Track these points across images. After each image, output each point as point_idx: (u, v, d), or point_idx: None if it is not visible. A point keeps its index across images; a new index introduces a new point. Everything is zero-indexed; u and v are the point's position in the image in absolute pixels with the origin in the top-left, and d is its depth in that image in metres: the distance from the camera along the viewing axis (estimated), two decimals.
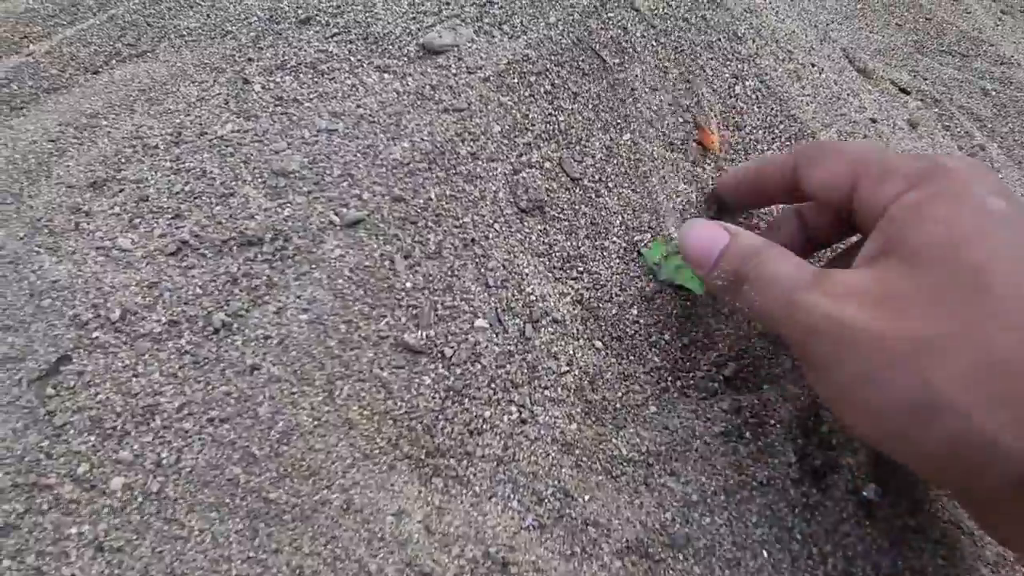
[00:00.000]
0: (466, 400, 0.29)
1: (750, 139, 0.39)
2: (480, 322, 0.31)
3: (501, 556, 0.26)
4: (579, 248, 0.34)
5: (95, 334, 0.31)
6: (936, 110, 0.58)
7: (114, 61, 0.45)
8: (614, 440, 0.30)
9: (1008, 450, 0.18)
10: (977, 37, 0.74)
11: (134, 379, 0.30)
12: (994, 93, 0.64)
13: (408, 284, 0.32)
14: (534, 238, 0.34)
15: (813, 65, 0.44)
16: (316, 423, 0.28)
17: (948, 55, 0.70)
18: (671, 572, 0.26)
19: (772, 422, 0.30)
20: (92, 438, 0.29)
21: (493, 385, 0.30)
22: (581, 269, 0.34)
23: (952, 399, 0.19)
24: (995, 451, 0.18)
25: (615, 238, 0.35)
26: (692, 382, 0.32)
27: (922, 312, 0.20)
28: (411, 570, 0.26)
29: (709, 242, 0.28)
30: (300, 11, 0.44)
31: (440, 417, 0.29)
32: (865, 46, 0.63)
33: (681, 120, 0.37)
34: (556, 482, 0.28)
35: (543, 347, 0.32)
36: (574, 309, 0.33)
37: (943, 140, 0.53)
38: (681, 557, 0.27)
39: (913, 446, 0.20)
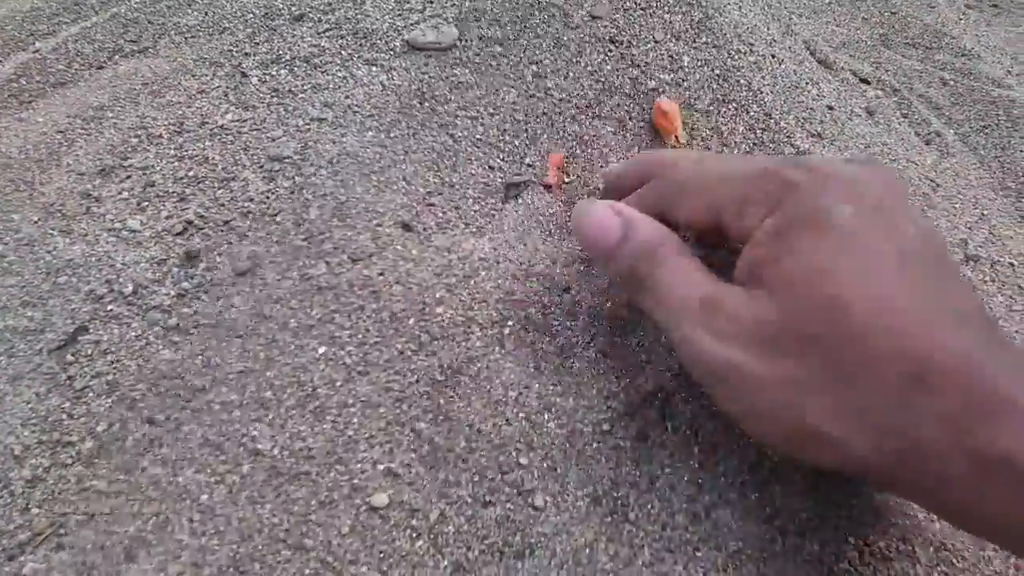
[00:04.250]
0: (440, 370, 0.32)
1: (713, 125, 0.42)
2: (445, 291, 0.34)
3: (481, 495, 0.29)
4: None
5: (110, 307, 0.34)
6: (895, 99, 0.61)
7: (117, 57, 0.48)
8: (581, 400, 0.33)
9: (876, 465, 0.21)
10: (940, 30, 0.77)
11: (146, 346, 0.32)
12: (952, 83, 0.67)
13: None
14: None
15: (773, 56, 0.47)
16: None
17: (912, 48, 0.74)
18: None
19: None
20: (109, 400, 0.31)
21: (454, 354, 0.33)
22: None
23: (829, 432, 0.21)
24: (868, 468, 0.21)
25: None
26: None
27: (792, 351, 0.22)
28: (401, 509, 0.29)
29: (604, 231, 0.27)
30: (294, 8, 0.47)
31: (418, 380, 0.32)
32: (830, 39, 0.66)
33: (640, 112, 0.40)
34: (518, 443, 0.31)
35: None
36: None
37: (900, 127, 0.56)
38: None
39: (812, 461, 0.24)
